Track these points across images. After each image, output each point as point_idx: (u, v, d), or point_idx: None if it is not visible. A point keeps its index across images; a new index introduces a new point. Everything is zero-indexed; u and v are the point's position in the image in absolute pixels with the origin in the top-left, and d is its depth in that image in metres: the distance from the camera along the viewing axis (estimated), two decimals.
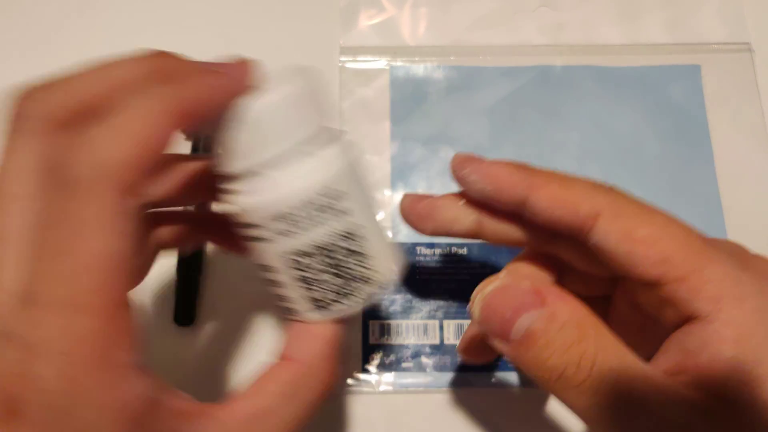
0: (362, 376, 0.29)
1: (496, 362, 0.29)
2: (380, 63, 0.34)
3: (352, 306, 0.19)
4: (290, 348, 0.19)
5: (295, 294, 0.19)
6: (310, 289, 0.19)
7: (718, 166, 0.32)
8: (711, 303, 0.17)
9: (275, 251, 0.18)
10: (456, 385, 0.29)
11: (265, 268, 0.19)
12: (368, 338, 0.29)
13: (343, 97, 0.33)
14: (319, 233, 0.18)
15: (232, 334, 0.30)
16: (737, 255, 0.19)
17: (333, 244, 0.18)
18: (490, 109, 0.33)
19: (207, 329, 0.30)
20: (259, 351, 0.30)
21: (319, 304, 0.19)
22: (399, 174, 0.32)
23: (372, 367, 0.29)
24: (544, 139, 0.32)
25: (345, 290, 0.19)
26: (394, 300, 0.30)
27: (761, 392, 0.16)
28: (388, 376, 0.29)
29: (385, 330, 0.29)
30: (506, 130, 0.33)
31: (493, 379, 0.29)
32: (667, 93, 0.33)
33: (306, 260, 0.18)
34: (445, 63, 0.34)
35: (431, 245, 0.31)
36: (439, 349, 0.29)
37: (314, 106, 0.17)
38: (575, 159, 0.32)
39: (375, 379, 0.29)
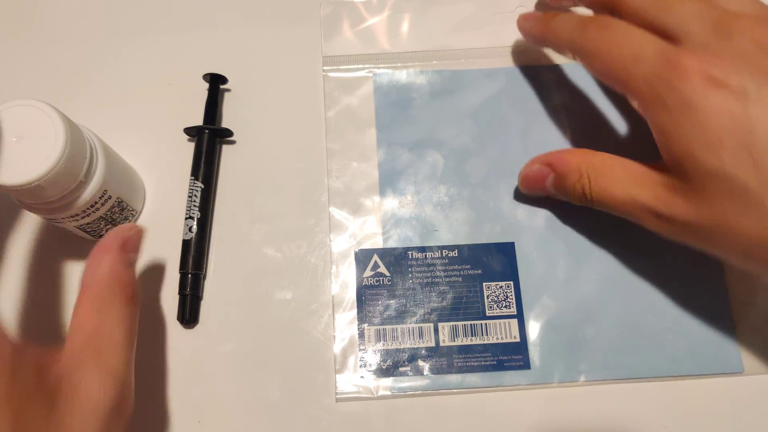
0: (360, 382, 0.29)
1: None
2: (363, 71, 0.34)
3: None
4: (85, 278, 0.24)
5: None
6: (102, 233, 0.30)
7: None
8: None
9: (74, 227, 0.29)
10: (454, 387, 0.29)
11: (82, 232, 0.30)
12: (364, 344, 0.30)
13: (328, 106, 0.33)
14: (101, 211, 0.29)
15: (235, 333, 0.30)
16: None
17: (107, 215, 0.29)
18: (474, 111, 0.33)
19: (210, 328, 0.30)
20: (261, 349, 0.30)
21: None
22: (387, 180, 0.32)
23: (369, 373, 0.29)
24: (528, 138, 0.33)
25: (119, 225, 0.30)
26: (389, 305, 0.30)
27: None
28: (386, 381, 0.29)
29: (380, 335, 0.30)
30: (491, 131, 0.33)
31: (491, 381, 0.29)
32: None
33: (94, 225, 0.29)
34: (427, 68, 0.34)
35: (422, 249, 0.31)
36: (435, 351, 0.29)
37: (79, 159, 0.26)
38: None
39: (373, 385, 0.29)
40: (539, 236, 0.31)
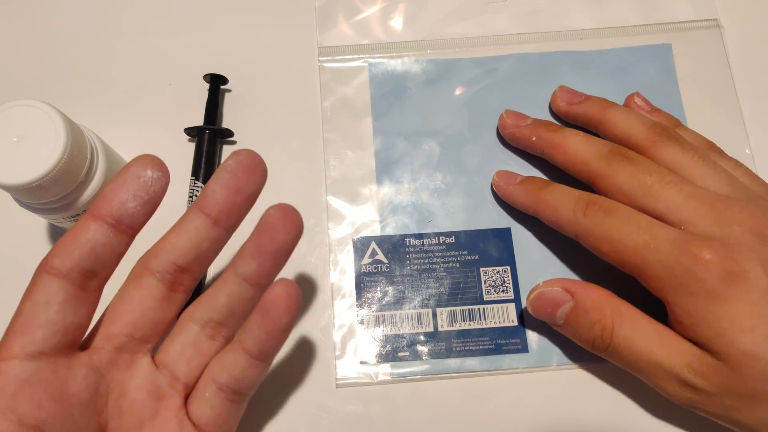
0: (360, 367, 0.29)
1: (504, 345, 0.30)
2: (358, 61, 0.34)
3: None
4: None
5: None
6: None
7: None
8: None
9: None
10: (453, 372, 0.29)
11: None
12: (363, 330, 0.30)
13: (324, 96, 0.34)
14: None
15: None
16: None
17: None
18: (468, 99, 0.34)
19: None
20: None
21: None
22: (383, 168, 0.32)
23: (369, 359, 0.30)
24: None
25: None
26: (387, 291, 0.30)
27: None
28: (386, 367, 0.29)
29: (379, 321, 0.30)
30: (486, 118, 0.33)
31: (490, 365, 0.29)
32: (641, 73, 0.34)
33: None
34: (422, 57, 0.34)
35: (420, 236, 0.31)
36: (434, 336, 0.30)
37: (78, 161, 0.26)
38: None
39: (373, 371, 0.29)
40: (535, 221, 0.31)
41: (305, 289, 0.31)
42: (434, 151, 0.33)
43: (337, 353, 0.30)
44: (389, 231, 0.31)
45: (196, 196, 0.31)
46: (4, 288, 0.31)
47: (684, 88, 0.34)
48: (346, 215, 0.32)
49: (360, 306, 0.30)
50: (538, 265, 0.31)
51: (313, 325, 0.30)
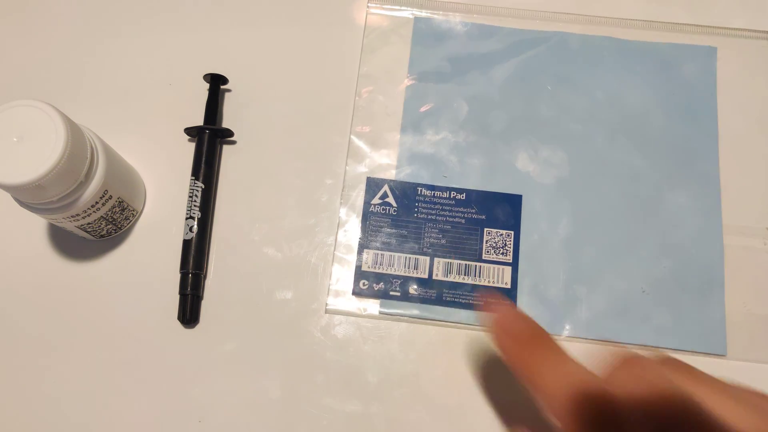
0: (351, 299, 0.30)
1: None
2: (406, 12, 0.35)
3: (125, 227, 0.32)
4: None
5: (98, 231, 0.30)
6: (103, 233, 0.31)
7: (722, 147, 0.33)
8: None
9: (76, 226, 0.29)
10: (439, 319, 0.30)
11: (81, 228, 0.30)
12: (360, 265, 0.31)
13: (366, 34, 0.34)
14: (102, 211, 0.29)
15: (235, 333, 0.30)
16: None
17: (108, 214, 0.29)
18: (505, 67, 0.34)
19: (210, 328, 0.31)
20: (261, 349, 0.30)
21: (104, 236, 0.31)
22: (410, 118, 0.33)
23: (362, 292, 0.30)
24: (553, 99, 0.33)
25: (119, 225, 0.31)
26: (391, 233, 0.31)
27: None
28: (375, 304, 0.30)
29: (378, 259, 0.31)
30: (518, 87, 0.34)
31: (476, 319, 0.30)
32: (681, 71, 0.34)
33: (95, 225, 0.29)
34: (467, 20, 0.35)
35: (432, 187, 0.32)
36: (427, 283, 0.30)
37: (80, 160, 0.26)
38: (580, 122, 0.33)
39: (363, 305, 0.30)
40: (547, 194, 0.32)
41: (304, 289, 0.31)
42: (462, 109, 0.33)
43: (331, 281, 0.30)
44: (403, 177, 0.32)
45: (196, 196, 0.31)
46: (4, 288, 0.31)
47: (721, 94, 0.34)
48: (365, 155, 0.33)
49: (362, 241, 0.31)
50: (542, 236, 0.31)
51: (313, 325, 0.30)
